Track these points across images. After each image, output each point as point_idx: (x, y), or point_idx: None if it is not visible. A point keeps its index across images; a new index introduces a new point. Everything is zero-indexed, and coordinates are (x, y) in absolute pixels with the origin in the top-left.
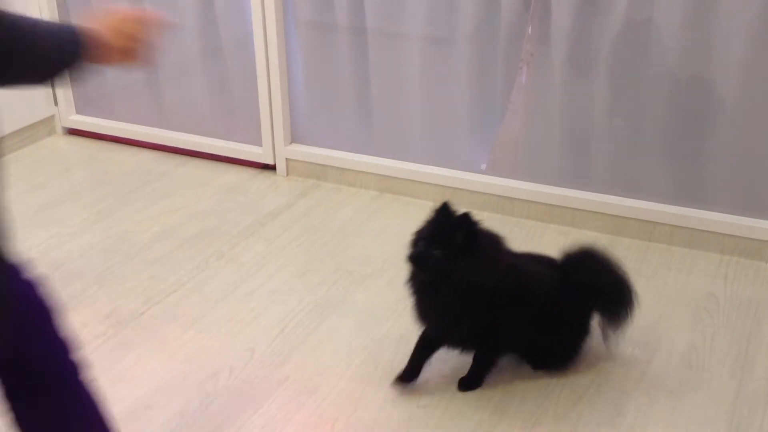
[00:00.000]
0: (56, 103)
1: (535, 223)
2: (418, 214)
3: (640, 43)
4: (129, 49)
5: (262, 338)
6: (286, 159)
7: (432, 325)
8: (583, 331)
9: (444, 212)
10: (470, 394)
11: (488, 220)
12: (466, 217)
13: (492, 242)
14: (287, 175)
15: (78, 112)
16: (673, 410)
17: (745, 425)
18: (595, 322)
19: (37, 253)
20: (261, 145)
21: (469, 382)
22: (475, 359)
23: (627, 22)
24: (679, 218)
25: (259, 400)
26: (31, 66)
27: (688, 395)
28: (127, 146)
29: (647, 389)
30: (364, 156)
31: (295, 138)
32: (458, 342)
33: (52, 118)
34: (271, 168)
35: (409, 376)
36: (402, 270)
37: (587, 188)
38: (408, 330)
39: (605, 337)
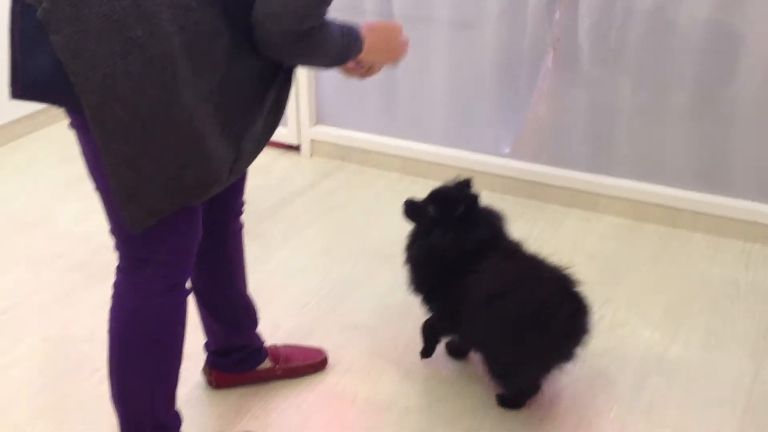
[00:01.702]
0: None
1: (557, 207)
2: None
3: (667, 29)
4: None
5: (286, 313)
6: (311, 140)
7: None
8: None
9: (462, 186)
10: None
11: (510, 203)
12: (474, 197)
13: (488, 228)
14: (311, 155)
15: None
16: (690, 393)
17: (761, 409)
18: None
19: (68, 224)
20: (286, 126)
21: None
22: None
23: (654, 8)
24: (703, 205)
25: None
26: (323, 63)
27: (706, 379)
28: None
29: (665, 372)
30: (388, 138)
31: (320, 119)
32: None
33: None
34: (296, 149)
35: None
36: None
37: (610, 173)
38: None
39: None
